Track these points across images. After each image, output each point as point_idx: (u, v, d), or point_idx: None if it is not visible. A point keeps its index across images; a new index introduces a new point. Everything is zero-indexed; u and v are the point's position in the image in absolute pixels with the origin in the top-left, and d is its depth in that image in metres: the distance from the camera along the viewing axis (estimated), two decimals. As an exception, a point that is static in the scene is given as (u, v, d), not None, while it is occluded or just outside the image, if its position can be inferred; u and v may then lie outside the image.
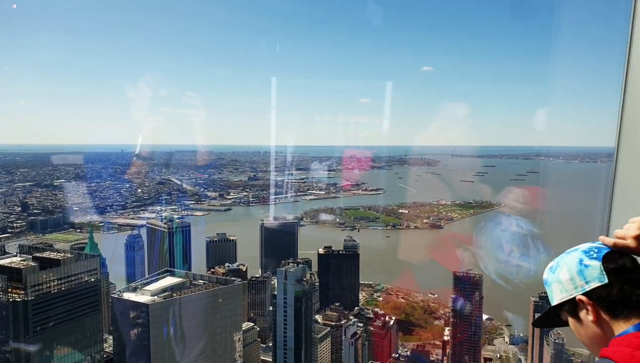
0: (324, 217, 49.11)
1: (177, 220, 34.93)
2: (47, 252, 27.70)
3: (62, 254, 27.90)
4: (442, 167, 58.80)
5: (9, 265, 25.60)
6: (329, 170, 53.26)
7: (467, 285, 35.32)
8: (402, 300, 42.47)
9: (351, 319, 36.87)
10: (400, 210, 51.91)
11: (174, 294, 30.34)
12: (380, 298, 42.96)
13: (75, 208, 31.59)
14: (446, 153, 62.24)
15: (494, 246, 35.15)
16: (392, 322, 38.01)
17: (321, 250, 41.03)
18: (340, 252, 41.56)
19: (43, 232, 30.61)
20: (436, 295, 41.09)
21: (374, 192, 53.90)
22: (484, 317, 36.12)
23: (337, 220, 49.01)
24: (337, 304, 38.17)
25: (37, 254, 27.30)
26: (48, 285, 26.03)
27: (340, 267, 41.20)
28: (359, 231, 47.28)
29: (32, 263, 26.13)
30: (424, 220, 50.62)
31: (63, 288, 26.49)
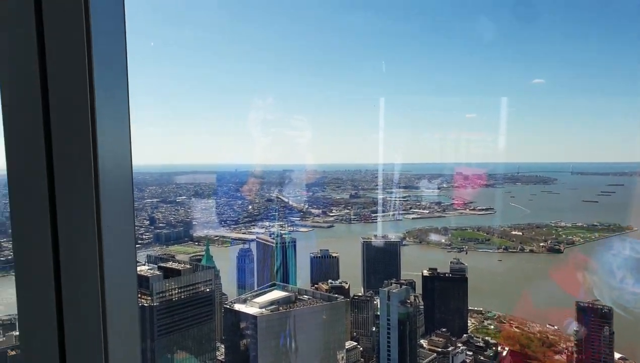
0: (428, 237, 48.71)
1: (284, 236, 37.21)
2: (170, 262, 30.85)
3: (182, 265, 30.80)
4: (560, 186, 55.40)
5: (139, 273, 28.92)
6: (435, 188, 52.85)
7: (594, 318, 32.76)
8: (517, 330, 40.43)
9: (459, 347, 35.97)
10: (513, 232, 49.75)
11: (281, 308, 31.94)
12: (492, 327, 41.23)
13: (194, 223, 35.11)
14: (564, 170, 58.60)
15: (625, 276, 32.47)
16: (505, 353, 36.49)
17: (425, 272, 40.67)
18: (447, 274, 40.79)
19: (167, 243, 34.40)
20: (556, 327, 38.55)
21: (483, 212, 52.23)
22: (616, 355, 33.13)
23: (443, 240, 48.29)
24: (444, 330, 37.46)
25: (162, 264, 30.45)
26: (170, 293, 28.95)
27: (446, 290, 40.45)
28: (466, 253, 46.16)
29: (158, 272, 29.24)
30: (541, 244, 47.92)
31: (182, 297, 29.24)
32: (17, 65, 1.56)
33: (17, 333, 26.82)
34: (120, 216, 1.66)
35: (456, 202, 52.65)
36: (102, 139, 1.54)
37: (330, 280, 39.36)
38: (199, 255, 33.95)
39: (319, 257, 40.71)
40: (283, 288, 34.35)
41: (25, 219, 1.58)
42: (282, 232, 37.83)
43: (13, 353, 26.10)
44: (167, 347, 28.23)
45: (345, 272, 41.17)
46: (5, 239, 29.55)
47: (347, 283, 39.54)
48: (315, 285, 38.27)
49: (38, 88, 1.53)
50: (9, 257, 29.12)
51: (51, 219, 1.53)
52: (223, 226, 36.49)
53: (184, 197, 36.83)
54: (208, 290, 31.14)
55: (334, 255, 41.36)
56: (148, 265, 29.73)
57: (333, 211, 48.26)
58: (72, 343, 1.56)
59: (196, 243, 35.01)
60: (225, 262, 35.33)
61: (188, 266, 30.83)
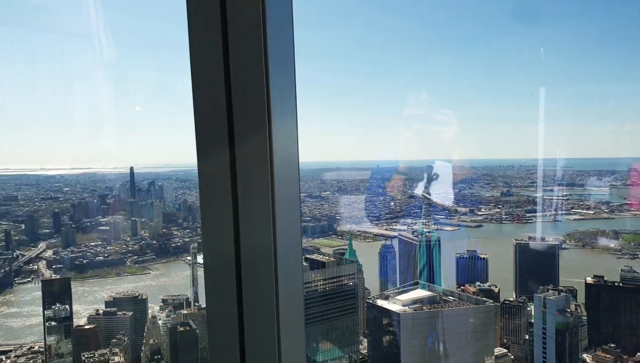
0: (593, 240, 43.35)
1: (427, 234, 36.48)
2: (315, 255, 32.33)
3: (326, 258, 32.03)
4: None
5: None
6: (605, 186, 46.80)
7: None
8: None
9: (632, 366, 31.63)
10: None
11: (425, 307, 31.43)
12: (676, 347, 35.31)
13: (337, 217, 36.31)
14: None
15: None
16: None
17: (589, 279, 36.30)
18: (616, 283, 35.95)
19: (312, 236, 36.11)
20: None
21: (664, 214, 44.80)
22: None
23: (612, 245, 42.55)
24: (612, 345, 33.25)
25: (308, 256, 32.01)
26: (315, 284, 30.32)
27: (615, 301, 35.68)
28: (642, 260, 40.09)
29: (305, 264, 30.87)
30: None
31: (327, 289, 30.39)
32: (205, 68, 1.73)
33: (185, 312, 30.80)
34: (290, 208, 1.80)
35: (631, 202, 45.90)
36: (276, 135, 1.68)
37: (478, 283, 37.45)
38: (342, 249, 35.00)
39: (466, 257, 38.96)
40: (427, 288, 33.74)
41: (210, 209, 1.75)
42: (426, 230, 37.11)
43: (181, 329, 29.54)
44: (313, 336, 29.52)
45: (495, 275, 38.74)
46: (175, 227, 34.04)
47: (496, 287, 37.22)
48: (462, 287, 36.79)
49: (222, 88, 1.70)
50: (179, 244, 33.53)
51: (233, 209, 1.70)
52: (365, 222, 37.07)
53: (328, 193, 38.32)
54: (351, 283, 31.89)
55: (482, 256, 39.20)
56: (296, 257, 31.53)
57: (482, 210, 45.69)
58: (249, 323, 1.73)
59: (339, 237, 36.19)
60: (368, 257, 35.82)
61: (332, 259, 31.93)
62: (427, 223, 37.90)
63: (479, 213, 46.30)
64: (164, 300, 30.55)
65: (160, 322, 29.97)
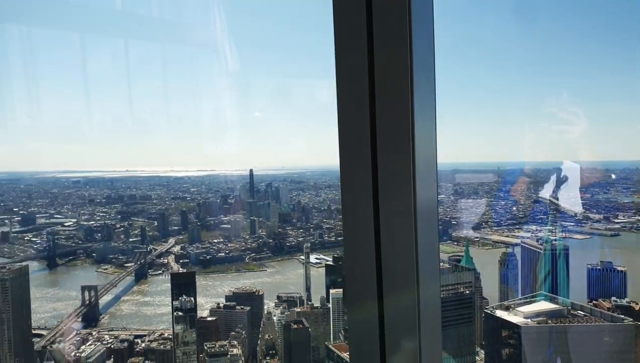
0: None
1: (554, 242, 33.54)
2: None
3: (441, 264, 30.86)
4: None
5: None
6: None
7: None
8: None
9: None
10: None
11: (549, 321, 29.16)
12: None
13: (453, 222, 34.89)
14: None
15: None
16: None
17: None
18: None
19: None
20: None
21: None
22: None
23: None
24: None
25: None
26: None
27: None
28: None
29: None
30: None
31: (442, 296, 29.26)
32: (349, 65, 1.72)
33: (298, 309, 31.58)
34: (428, 208, 1.78)
35: None
36: (418, 135, 1.67)
37: (614, 298, 33.65)
38: (458, 256, 33.49)
39: (600, 269, 35.23)
40: (552, 300, 31.11)
41: (352, 207, 1.76)
42: (553, 237, 34.15)
43: (295, 327, 30.32)
44: (426, 343, 28.80)
45: (636, 291, 34.57)
46: (290, 227, 35.11)
47: (637, 304, 33.17)
48: (594, 302, 33.33)
49: (366, 87, 1.69)
50: (293, 243, 34.55)
51: (374, 207, 1.69)
52: (484, 227, 35.12)
53: (444, 196, 36.94)
54: (468, 292, 30.55)
55: (619, 269, 35.16)
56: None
57: (619, 217, 40.94)
58: (390, 323, 1.72)
59: (455, 243, 34.72)
60: (486, 265, 33.91)
61: (447, 265, 30.86)
62: (553, 231, 34.85)
63: (616, 221, 41.46)
64: (278, 297, 31.67)
65: (275, 318, 31.08)
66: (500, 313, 31.08)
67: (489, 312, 31.58)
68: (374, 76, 1.68)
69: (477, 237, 36.28)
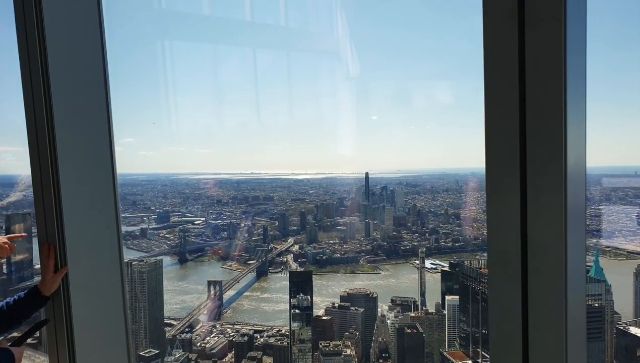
0: None
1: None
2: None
3: None
4: None
5: None
6: None
7: None
8: None
9: None
10: None
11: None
12: None
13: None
14: None
15: None
16: None
17: None
18: None
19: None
20: None
21: None
22: None
23: None
24: None
25: None
26: None
27: None
28: None
29: None
30: None
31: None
32: (502, 71, 1.70)
33: (412, 314, 31.36)
34: (577, 212, 1.67)
35: None
36: (570, 135, 1.58)
37: None
38: (587, 266, 31.32)
39: None
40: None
41: (499, 214, 1.69)
42: (700, 249, 30.76)
43: (409, 331, 30.08)
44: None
45: None
46: (405, 231, 35.06)
47: None
48: None
49: (516, 89, 1.64)
50: (407, 247, 34.43)
51: (521, 210, 1.62)
52: (617, 236, 32.51)
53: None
54: (597, 305, 28.49)
55: None
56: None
57: None
58: (534, 333, 1.62)
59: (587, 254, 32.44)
60: (619, 276, 31.35)
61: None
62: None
63: None
64: (392, 301, 31.68)
65: (388, 321, 31.13)
66: (635, 330, 28.54)
67: (621, 327, 29.11)
68: (524, 73, 1.64)
69: (608, 247, 33.52)
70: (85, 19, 2.50)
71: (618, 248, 33.61)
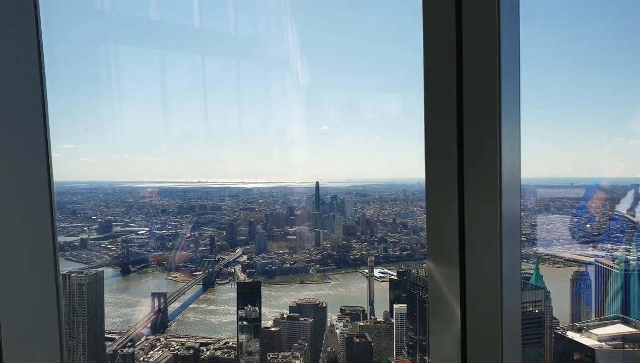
0: None
1: (631, 261, 32.21)
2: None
3: None
4: None
5: None
6: None
7: None
8: None
9: None
10: None
11: (626, 345, 27.93)
12: None
13: (522, 239, 33.91)
14: None
15: None
16: None
17: None
18: None
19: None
20: None
21: None
22: None
23: None
24: None
25: None
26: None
27: None
28: None
29: None
30: None
31: None
32: (438, 73, 1.76)
33: (361, 323, 31.67)
34: (513, 221, 1.77)
35: None
36: (505, 145, 1.65)
37: (698, 323, 31.82)
38: (527, 274, 32.67)
39: (682, 292, 33.43)
40: (628, 323, 29.73)
41: (437, 220, 1.79)
42: (629, 256, 32.78)
43: (357, 340, 30.27)
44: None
45: None
46: (354, 240, 35.41)
47: None
48: (676, 327, 31.61)
49: (454, 95, 1.71)
50: (357, 256, 34.75)
51: (459, 222, 1.72)
52: (555, 244, 34.16)
53: (516, 212, 36.35)
54: (537, 311, 29.71)
55: None
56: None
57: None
58: (472, 336, 1.77)
59: (524, 260, 33.84)
60: (557, 283, 32.87)
61: (516, 283, 30.07)
62: (630, 249, 33.49)
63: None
64: (341, 310, 31.88)
65: (337, 331, 31.25)
66: (572, 335, 30.01)
67: (559, 332, 30.59)
68: (462, 86, 1.70)
69: (547, 255, 35.35)
70: (19, 17, 2.35)
71: (556, 256, 35.45)
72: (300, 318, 31.50)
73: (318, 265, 34.90)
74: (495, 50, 1.63)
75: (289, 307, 32.35)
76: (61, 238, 35.21)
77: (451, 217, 1.76)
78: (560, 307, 32.47)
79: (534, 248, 35.61)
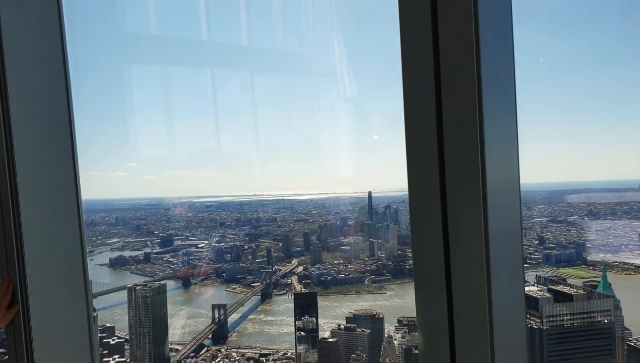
0: None
1: None
2: (561, 286, 29.65)
3: (574, 290, 29.13)
4: None
5: (527, 292, 28.99)
6: None
7: None
8: None
9: None
10: None
11: None
12: None
13: (587, 245, 32.95)
14: None
15: None
16: None
17: None
18: None
19: (557, 265, 33.54)
20: None
21: None
22: None
23: None
24: None
25: (552, 287, 29.55)
26: (561, 318, 27.81)
27: None
28: None
29: (547, 295, 28.59)
30: None
31: (575, 324, 27.62)
32: (415, 70, 1.76)
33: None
34: (508, 233, 1.70)
35: None
36: (490, 151, 1.58)
37: None
38: (594, 281, 31.44)
39: None
40: None
41: (421, 231, 1.80)
42: None
43: (416, 352, 30.17)
44: (558, 377, 27.24)
45: None
46: (409, 250, 35.42)
47: None
48: None
49: (433, 96, 1.69)
50: (412, 266, 34.72)
51: (443, 231, 1.70)
52: (624, 251, 32.79)
53: (576, 217, 35.06)
54: (606, 321, 28.43)
55: None
56: (537, 286, 29.52)
57: None
58: (462, 348, 1.71)
59: (590, 268, 32.67)
60: (628, 292, 31.42)
61: (582, 292, 29.02)
62: None
63: None
64: (399, 321, 31.81)
65: (395, 342, 31.21)
66: (647, 347, 28.59)
67: (632, 344, 29.14)
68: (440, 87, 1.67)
69: (615, 262, 33.82)
70: (49, 48, 2.43)
71: (625, 263, 33.84)
72: (358, 329, 31.64)
73: (373, 276, 35.01)
74: (472, 37, 1.56)
75: (346, 317, 32.62)
76: (126, 253, 37.45)
77: (435, 230, 1.74)
78: (633, 316, 31.02)
79: (601, 255, 34.24)
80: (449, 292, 1.68)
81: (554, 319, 27.91)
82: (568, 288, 29.70)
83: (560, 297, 28.83)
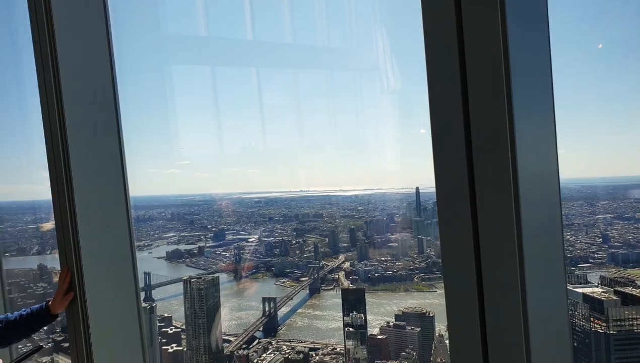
0: None
1: None
2: (630, 288, 27.83)
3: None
4: None
5: (590, 294, 27.34)
6: None
7: None
8: None
9: None
10: None
11: None
12: None
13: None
14: None
15: None
16: None
17: None
18: None
19: (624, 266, 31.30)
20: None
21: None
22: None
23: None
24: None
25: (619, 288, 27.79)
26: (631, 322, 26.09)
27: None
28: None
29: (614, 297, 26.87)
30: None
31: (618, 332, 25.95)
32: (442, 70, 1.76)
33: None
34: (545, 229, 1.62)
35: None
36: (523, 144, 1.51)
37: None
38: (669, 285, 29.20)
39: None
40: None
41: (450, 228, 1.68)
42: None
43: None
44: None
45: None
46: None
47: None
48: None
49: (459, 91, 1.67)
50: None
51: (473, 229, 1.60)
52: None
53: (630, 214, 32.68)
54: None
55: None
56: (602, 287, 27.76)
57: None
58: (494, 349, 1.62)
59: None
60: None
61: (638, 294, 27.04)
62: None
63: None
64: (450, 320, 30.91)
65: (446, 341, 30.34)
66: None
67: None
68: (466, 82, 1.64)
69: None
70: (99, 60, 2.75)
71: None
72: (407, 327, 31.14)
73: (423, 274, 34.16)
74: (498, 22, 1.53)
75: (395, 315, 32.09)
76: (182, 246, 38.88)
77: (465, 231, 1.64)
78: None
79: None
80: (480, 292, 1.61)
81: (622, 323, 25.98)
82: (638, 290, 27.66)
83: (628, 300, 26.85)
